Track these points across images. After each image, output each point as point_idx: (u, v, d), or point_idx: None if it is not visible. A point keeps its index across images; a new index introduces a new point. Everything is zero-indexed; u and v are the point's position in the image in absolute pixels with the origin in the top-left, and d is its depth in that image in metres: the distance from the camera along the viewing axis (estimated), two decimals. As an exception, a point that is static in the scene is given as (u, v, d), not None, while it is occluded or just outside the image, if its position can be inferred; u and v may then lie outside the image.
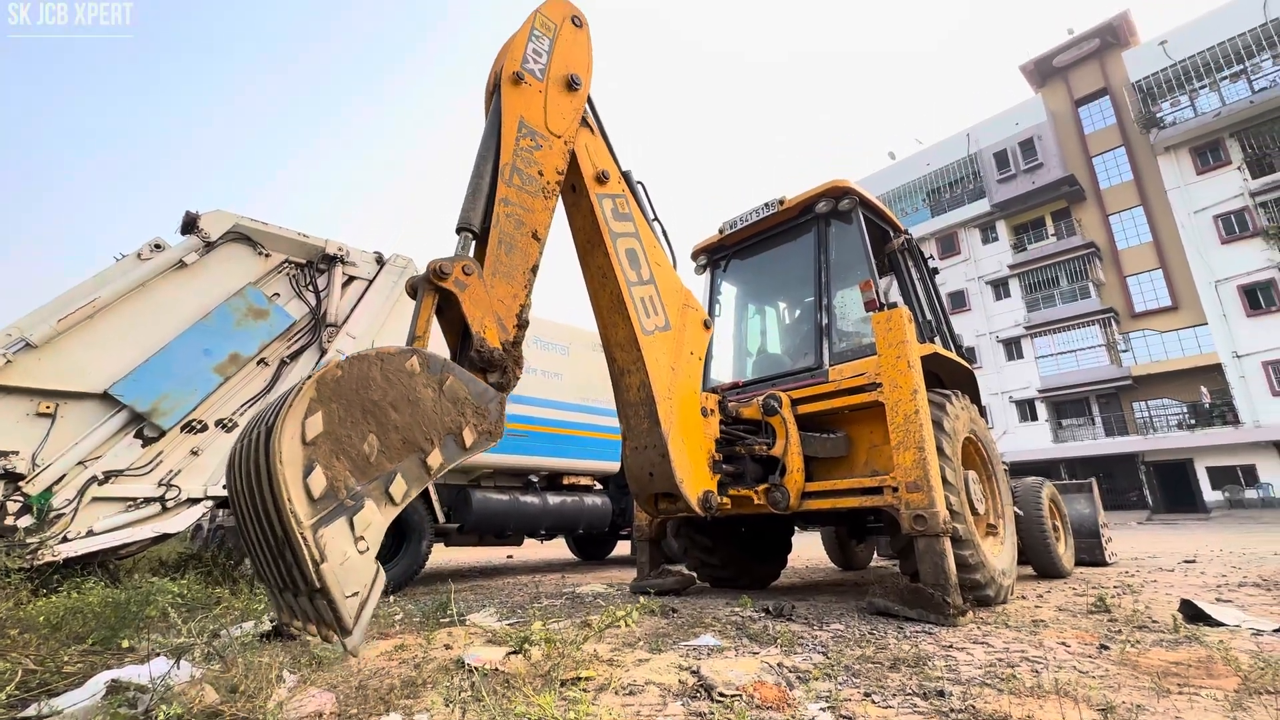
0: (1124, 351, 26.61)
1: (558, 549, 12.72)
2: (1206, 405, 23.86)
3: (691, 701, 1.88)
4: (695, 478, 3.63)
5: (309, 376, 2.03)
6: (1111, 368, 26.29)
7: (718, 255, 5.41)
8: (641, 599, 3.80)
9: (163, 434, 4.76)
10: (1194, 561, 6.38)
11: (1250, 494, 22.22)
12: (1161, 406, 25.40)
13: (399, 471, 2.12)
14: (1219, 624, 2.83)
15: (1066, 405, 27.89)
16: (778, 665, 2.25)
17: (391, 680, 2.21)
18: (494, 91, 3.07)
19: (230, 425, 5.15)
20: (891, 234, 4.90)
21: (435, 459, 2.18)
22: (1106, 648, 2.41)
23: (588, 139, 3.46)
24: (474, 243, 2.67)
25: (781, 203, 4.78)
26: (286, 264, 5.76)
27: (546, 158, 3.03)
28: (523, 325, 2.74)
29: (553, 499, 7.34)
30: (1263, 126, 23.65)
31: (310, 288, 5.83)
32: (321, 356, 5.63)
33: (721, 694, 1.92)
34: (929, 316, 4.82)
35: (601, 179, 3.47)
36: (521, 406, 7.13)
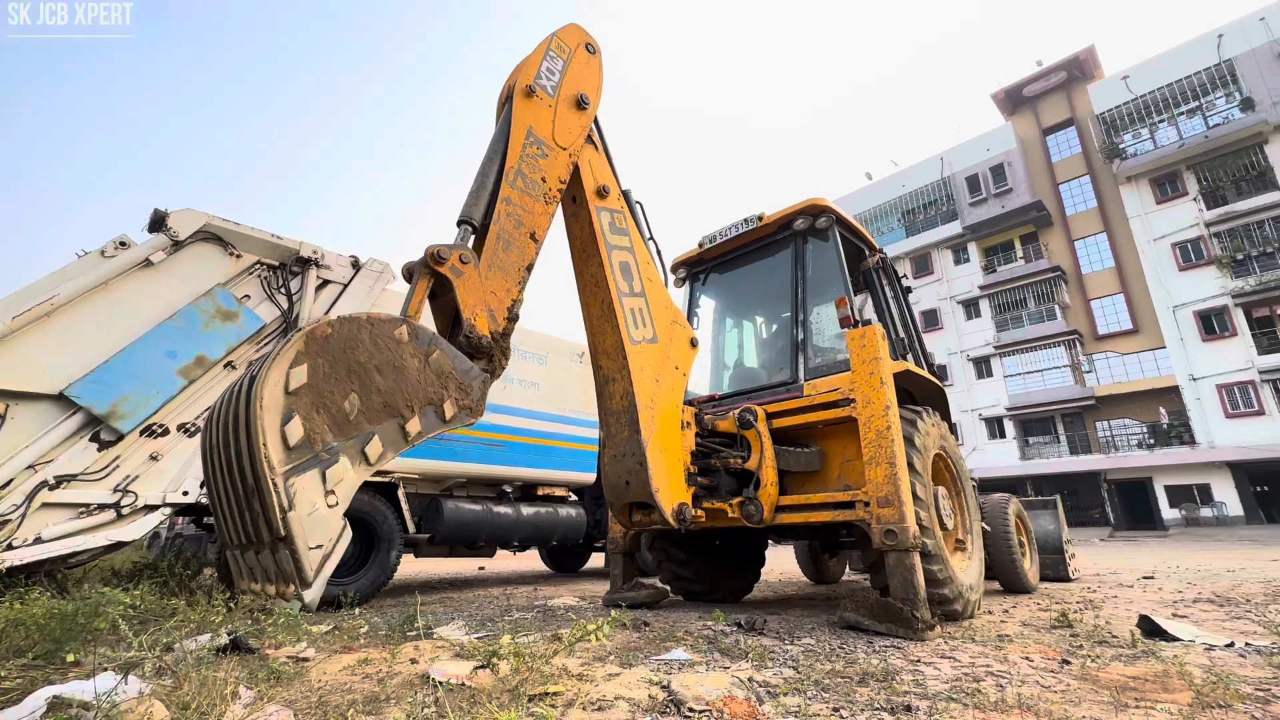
0: (1088, 372, 27.48)
1: (530, 561, 12.56)
2: (1164, 426, 24.73)
3: (661, 718, 1.86)
4: (671, 489, 3.64)
5: (299, 329, 2.08)
6: (1076, 387, 27.11)
7: (697, 269, 5.45)
8: (614, 612, 3.77)
9: (121, 438, 4.59)
10: (1152, 577, 6.57)
11: (1205, 512, 23.01)
12: (1123, 426, 26.24)
13: (377, 433, 2.17)
14: (1175, 639, 2.91)
15: (1033, 423, 28.63)
16: (748, 680, 2.24)
17: (354, 695, 2.14)
18: (506, 102, 3.25)
19: (193, 430, 5.00)
20: (867, 252, 5.00)
21: (414, 426, 2.22)
22: (1068, 662, 2.45)
23: (592, 155, 3.68)
24: (473, 236, 2.77)
25: (760, 219, 4.85)
26: (258, 265, 5.65)
27: (550, 167, 3.20)
28: (513, 319, 2.83)
29: (526, 510, 7.26)
30: (1216, 161, 24.84)
31: (283, 290, 5.72)
32: (292, 361, 5.50)
33: (691, 709, 1.91)
34: (902, 334, 4.91)
35: (602, 193, 3.66)
36: (497, 416, 7.06)
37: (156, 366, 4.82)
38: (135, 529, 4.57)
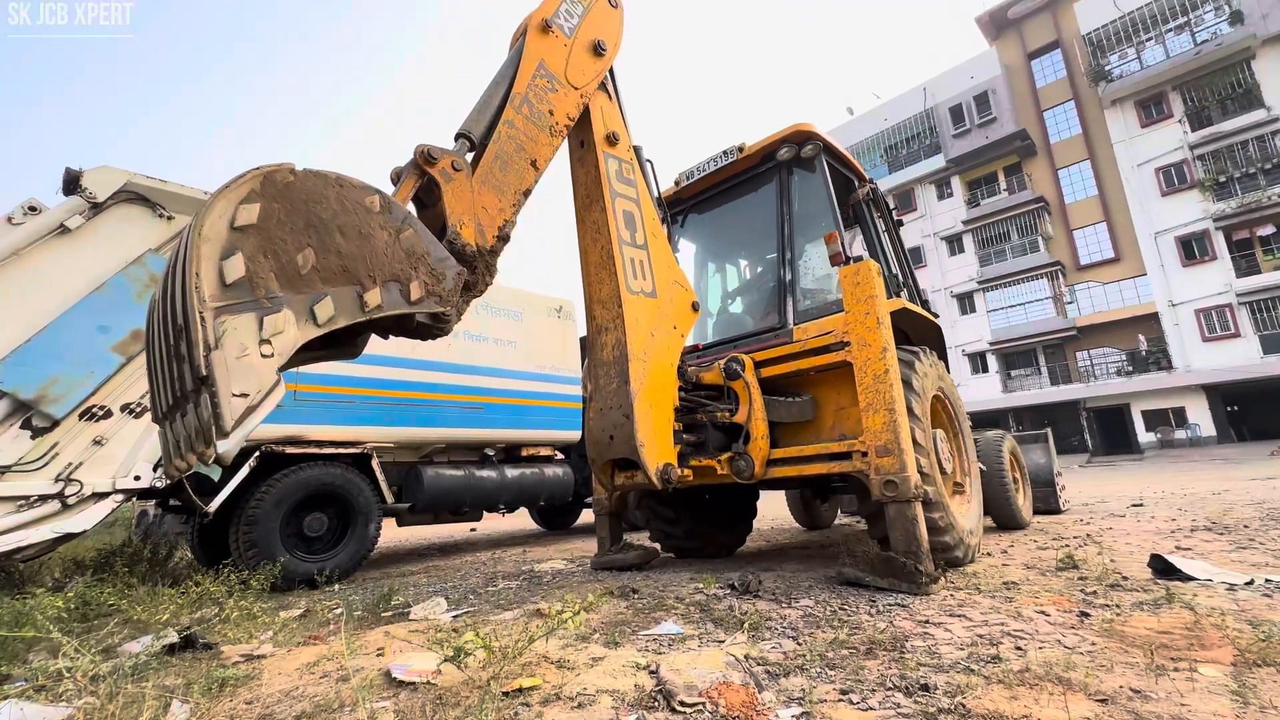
0: (1069, 303, 27.61)
1: (522, 520, 12.52)
2: (1143, 353, 25.09)
3: (648, 715, 1.64)
4: (658, 446, 3.39)
5: (256, 166, 1.77)
6: (1057, 319, 27.28)
7: (675, 209, 5.04)
8: (597, 588, 3.58)
9: (56, 423, 4.20)
10: (1141, 505, 6.58)
11: (1179, 434, 23.67)
12: (1103, 355, 26.61)
13: (330, 295, 1.90)
14: (1190, 578, 2.76)
15: (1015, 356, 28.93)
16: (744, 658, 2.03)
17: (303, 705, 1.90)
18: (520, 39, 3.08)
19: (139, 410, 4.61)
20: (856, 183, 4.63)
21: (374, 298, 2.00)
22: (1087, 615, 2.28)
23: (604, 102, 3.54)
24: (470, 153, 2.64)
25: (741, 150, 4.44)
26: (194, 227, 5.13)
27: (559, 101, 3.06)
28: (503, 238, 2.69)
29: (511, 472, 7.04)
30: (1203, 80, 24.26)
31: (224, 254, 5.22)
32: (242, 330, 5.09)
33: (683, 703, 1.69)
34: (895, 270, 4.62)
35: (611, 140, 3.52)
36: (473, 377, 6.74)
37: (88, 343, 4.39)
38: (84, 519, 4.24)
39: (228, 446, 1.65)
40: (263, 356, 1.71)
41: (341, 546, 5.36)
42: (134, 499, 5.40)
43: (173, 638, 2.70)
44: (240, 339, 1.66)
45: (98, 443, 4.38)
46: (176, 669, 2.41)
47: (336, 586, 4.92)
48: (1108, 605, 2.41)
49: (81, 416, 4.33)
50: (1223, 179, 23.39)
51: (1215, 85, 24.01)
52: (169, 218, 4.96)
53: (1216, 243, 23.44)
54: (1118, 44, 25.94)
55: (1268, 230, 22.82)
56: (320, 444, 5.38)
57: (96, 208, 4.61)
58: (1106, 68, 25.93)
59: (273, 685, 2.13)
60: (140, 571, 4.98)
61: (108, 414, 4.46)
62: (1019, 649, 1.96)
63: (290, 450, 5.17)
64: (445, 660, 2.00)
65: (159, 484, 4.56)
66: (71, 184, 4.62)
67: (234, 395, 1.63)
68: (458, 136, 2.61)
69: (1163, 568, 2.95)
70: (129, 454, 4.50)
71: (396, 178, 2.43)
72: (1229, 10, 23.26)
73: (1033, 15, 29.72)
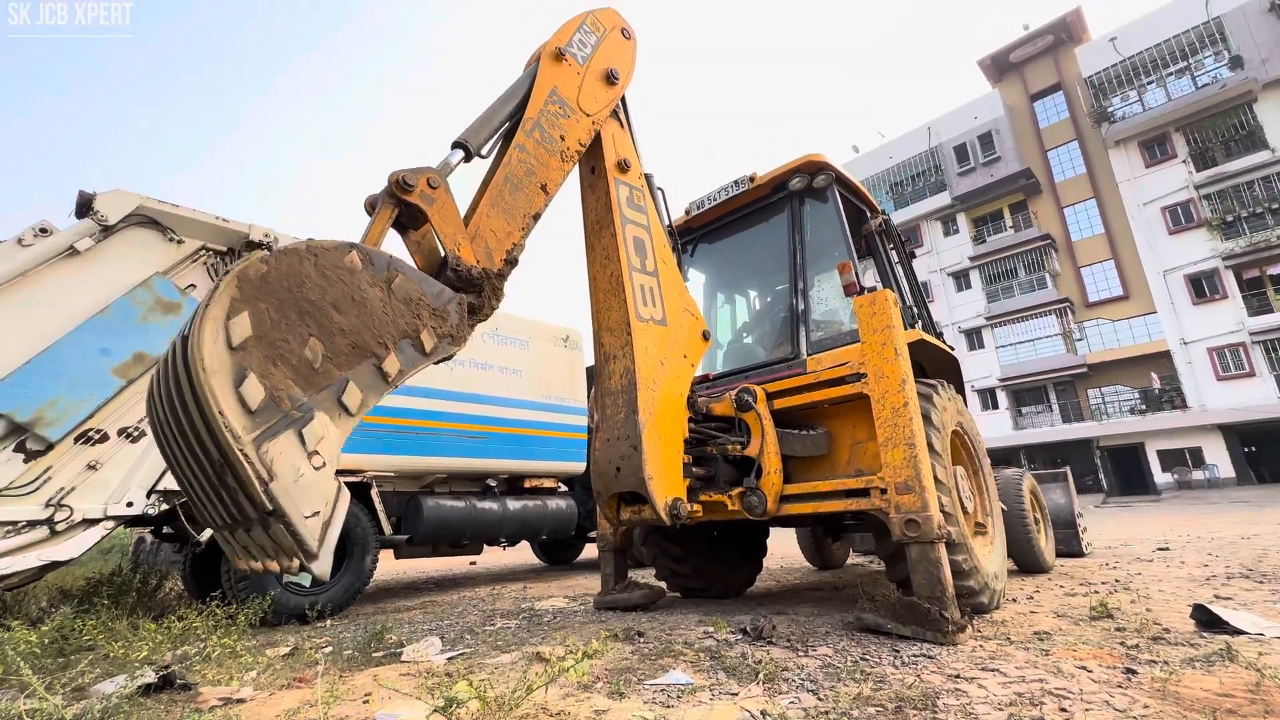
0: (1079, 340, 27.39)
1: (523, 554, 12.22)
2: (1156, 391, 24.71)
3: (657, 781, 1.48)
4: (666, 480, 3.26)
5: (227, 271, 1.66)
6: (1067, 356, 27.02)
7: (685, 239, 5.01)
8: (600, 630, 3.39)
9: (51, 446, 4.11)
10: (1168, 549, 6.31)
11: (1197, 475, 23.10)
12: (1114, 393, 26.23)
13: (351, 379, 1.82)
14: (1238, 631, 2.57)
15: (1025, 393, 28.58)
16: (761, 715, 1.86)
17: (280, 759, 1.74)
18: (532, 65, 3.06)
19: (136, 434, 4.53)
20: (868, 214, 4.59)
21: (392, 365, 1.91)
22: (1134, 672, 2.10)
23: (615, 130, 3.55)
24: (462, 162, 2.57)
25: (752, 180, 4.41)
26: (204, 251, 5.13)
27: (571, 127, 3.04)
28: (511, 262, 2.62)
29: (513, 504, 6.86)
30: (1205, 121, 24.54)
31: (232, 278, 5.21)
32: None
33: (695, 767, 1.53)
34: (910, 301, 4.53)
35: (622, 167, 3.52)
36: (477, 406, 6.63)
37: (88, 366, 4.33)
38: (72, 547, 4.11)
39: (322, 568, 1.65)
40: (316, 469, 1.65)
41: (336, 580, 5.17)
42: (128, 526, 5.28)
43: (150, 677, 2.54)
44: (290, 462, 1.61)
45: (92, 467, 4.28)
46: (150, 712, 2.25)
47: (328, 622, 4.73)
48: (1154, 661, 2.23)
49: (77, 440, 4.25)
50: (1230, 218, 23.41)
51: (1218, 127, 24.26)
52: (179, 241, 4.97)
53: (1227, 281, 23.31)
54: (1119, 87, 26.38)
55: (1278, 269, 22.71)
56: (319, 472, 5.25)
57: (107, 230, 4.62)
58: (1109, 109, 26.31)
59: (249, 735, 1.97)
60: (128, 603, 4.81)
61: (104, 438, 4.37)
62: (1063, 710, 1.78)
63: (288, 478, 5.04)
64: (435, 711, 1.84)
65: (151, 511, 4.44)
66: (84, 207, 4.65)
67: (306, 518, 1.60)
68: (455, 145, 2.56)
69: (1207, 619, 2.75)
70: (123, 479, 4.39)
71: (372, 207, 2.30)
72: (1229, 55, 23.68)
73: (1034, 59, 30.37)
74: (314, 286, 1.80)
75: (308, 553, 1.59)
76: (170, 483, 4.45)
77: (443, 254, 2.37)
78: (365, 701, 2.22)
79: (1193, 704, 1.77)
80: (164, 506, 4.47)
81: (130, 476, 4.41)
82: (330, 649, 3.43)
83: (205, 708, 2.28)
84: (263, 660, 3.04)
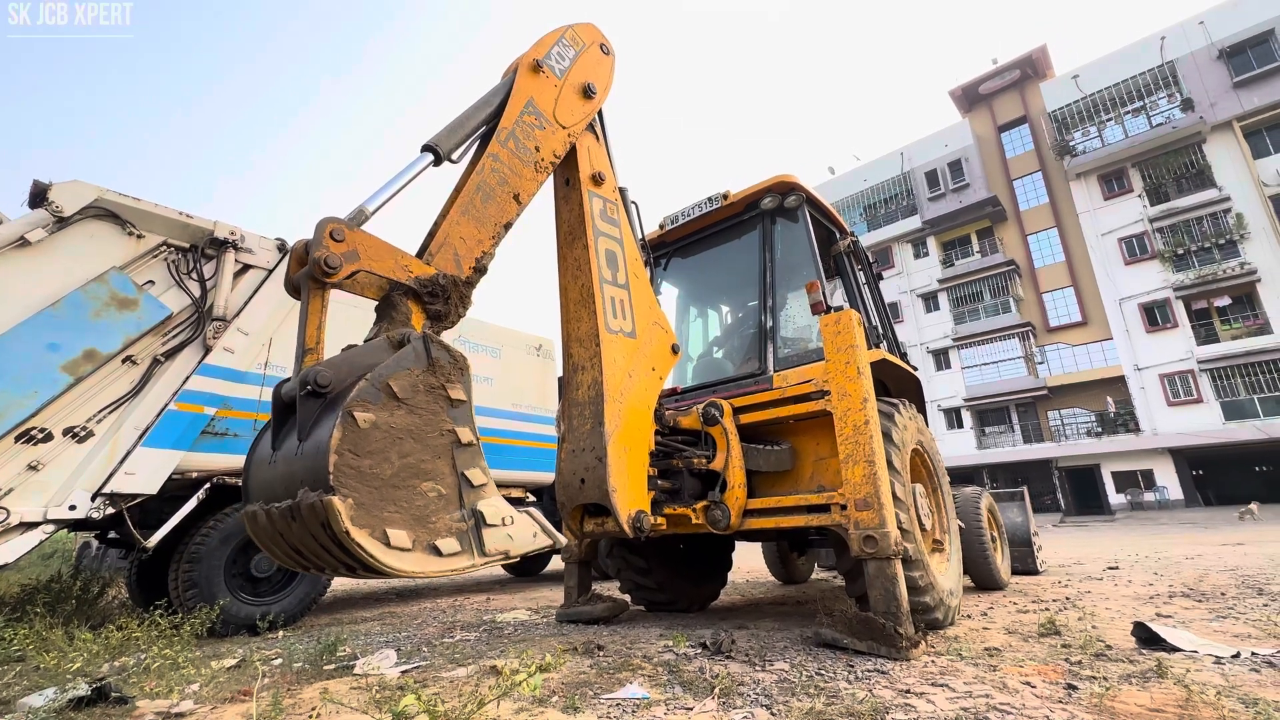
0: (1040, 363, 28.31)
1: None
2: (1112, 414, 25.64)
3: (604, 797, 1.47)
4: (630, 492, 3.26)
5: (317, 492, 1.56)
6: (1029, 378, 27.89)
7: (658, 253, 5.05)
8: (560, 643, 3.36)
9: (-13, 445, 3.92)
10: (1117, 568, 6.52)
11: (1149, 496, 23.98)
12: (1073, 415, 27.13)
13: (458, 470, 1.87)
14: (1174, 649, 2.67)
15: (989, 413, 29.36)
16: (714, 729, 1.87)
17: (216, 776, 1.68)
18: (509, 75, 3.06)
19: (83, 434, 4.35)
20: (838, 235, 4.70)
21: (466, 436, 1.92)
22: (1075, 688, 2.16)
23: (591, 143, 3.56)
24: (431, 164, 2.51)
25: (725, 197, 4.48)
26: (164, 247, 4.98)
27: (546, 139, 3.04)
28: (480, 270, 2.59)
29: (479, 514, 6.75)
30: (1159, 159, 25.79)
31: (194, 276, 5.07)
32: (205, 354, 4.89)
33: (643, 783, 1.52)
34: (875, 321, 4.63)
35: (596, 180, 3.53)
36: (445, 413, 6.53)
37: (34, 361, 4.15)
38: (7, 551, 3.89)
39: (560, 541, 1.99)
40: (509, 521, 1.88)
41: (290, 589, 5.02)
42: (72, 530, 5.05)
43: (82, 690, 2.43)
44: (498, 544, 1.82)
45: (33, 468, 4.09)
46: (80, 728, 2.15)
47: (280, 634, 4.58)
48: (1094, 677, 2.30)
49: (18, 439, 4.06)
50: (1181, 251, 24.57)
51: (1171, 164, 25.53)
52: (138, 236, 4.82)
53: (1177, 311, 24.41)
54: (1080, 122, 27.59)
55: (1224, 301, 23.87)
56: (277, 477, 5.10)
57: (62, 222, 4.46)
58: (1071, 143, 27.48)
59: (186, 750, 1.90)
60: (65, 611, 4.59)
61: (48, 437, 4.19)
62: (1006, 725, 1.83)
63: (244, 483, 4.89)
64: (383, 725, 1.80)
65: (96, 515, 4.26)
66: (38, 197, 4.48)
67: (531, 548, 1.89)
68: (425, 148, 2.53)
69: (1146, 636, 2.86)
70: (67, 481, 4.21)
71: (295, 291, 2.04)
72: (1180, 97, 24.98)
73: (1002, 92, 31.60)
74: (379, 462, 1.71)
75: (557, 545, 1.98)
76: (119, 485, 4.28)
77: (393, 289, 2.21)
78: (312, 716, 2.16)
79: (1126, 718, 1.83)
80: (109, 510, 4.28)
81: (75, 478, 4.23)
82: (279, 661, 3.32)
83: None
84: (206, 673, 2.93)
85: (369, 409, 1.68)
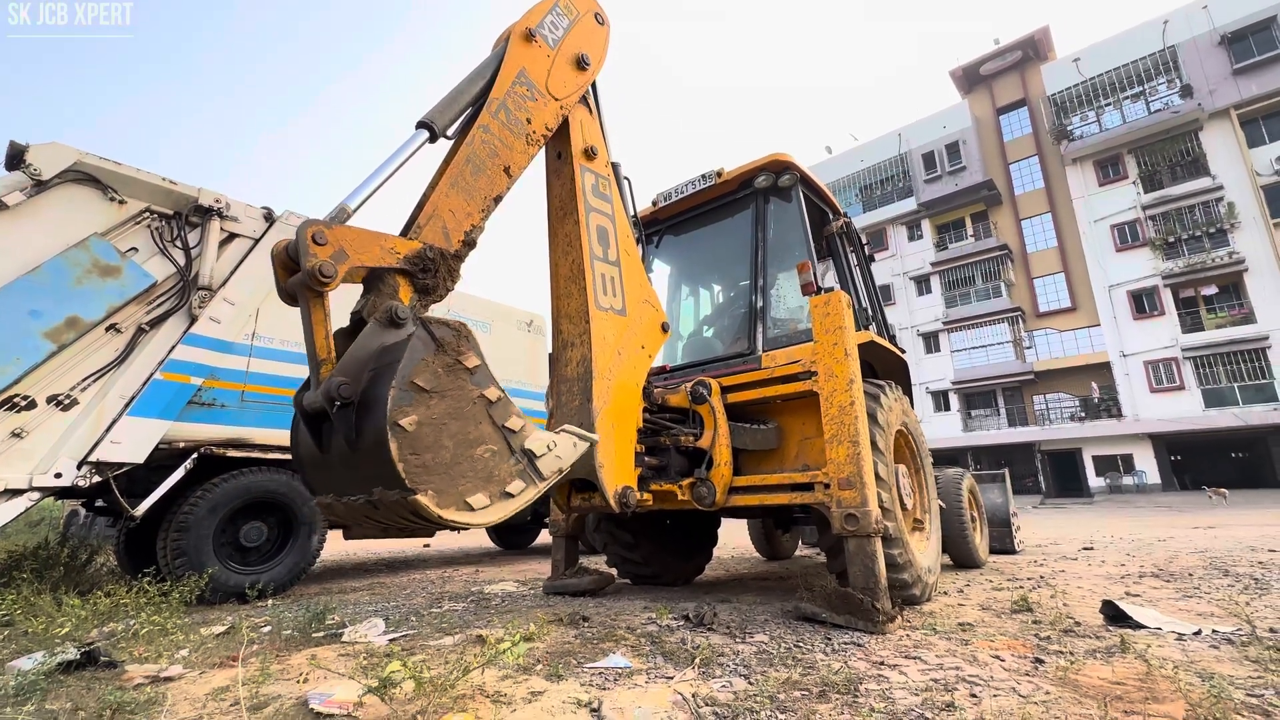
0: (1028, 348, 28.60)
1: (478, 537, 12.15)
2: (1095, 400, 26.05)
3: (584, 760, 1.52)
4: (618, 468, 3.29)
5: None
6: (1017, 363, 28.20)
7: (651, 230, 5.02)
8: (546, 614, 3.42)
9: (-30, 412, 3.89)
10: (1092, 549, 6.70)
11: (1127, 480, 24.52)
12: (1058, 400, 27.54)
13: (498, 425, 2.05)
14: (1140, 626, 2.77)
15: (976, 397, 29.73)
16: (692, 696, 1.92)
17: (204, 737, 1.72)
18: (501, 45, 2.99)
19: (68, 402, 4.31)
20: (830, 216, 4.69)
21: (493, 393, 2.08)
22: (1041, 661, 2.24)
23: (584, 116, 3.48)
24: (427, 141, 2.49)
25: (719, 175, 4.45)
26: (148, 214, 4.88)
27: (538, 111, 2.99)
28: (469, 244, 2.58)
29: (468, 487, 6.80)
30: (1155, 145, 25.77)
31: (179, 243, 4.99)
32: (190, 324, 4.84)
33: (622, 746, 1.57)
34: (865, 303, 4.65)
35: (589, 154, 3.47)
36: (435, 387, 6.53)
37: (16, 329, 4.09)
38: (-7, 517, 3.91)
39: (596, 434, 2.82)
40: (555, 446, 2.21)
41: (280, 559, 5.06)
42: (59, 498, 5.04)
43: (71, 654, 2.45)
44: (550, 464, 2.16)
45: (16, 435, 4.07)
46: (70, 690, 2.18)
47: (270, 602, 4.63)
48: (1061, 652, 2.38)
49: (1, 406, 4.02)
50: (1171, 239, 24.73)
51: (1166, 152, 25.52)
52: (120, 201, 4.73)
53: (1165, 299, 24.66)
54: (1079, 106, 27.44)
55: (1211, 290, 24.13)
56: (266, 448, 5.10)
57: (41, 185, 4.36)
58: (1068, 127, 27.36)
59: (175, 712, 1.93)
60: (53, 578, 4.61)
61: (31, 405, 4.15)
62: (974, 696, 1.90)
63: (232, 454, 4.89)
64: (369, 691, 1.84)
65: (83, 483, 4.25)
66: (15, 159, 4.37)
67: (576, 444, 2.34)
68: (420, 125, 2.48)
69: (1114, 614, 2.95)
70: (52, 448, 4.19)
71: (291, 298, 2.00)
72: (1180, 84, 24.86)
73: (1003, 74, 31.30)
74: (435, 450, 1.88)
75: (593, 442, 2.40)
76: (105, 453, 4.27)
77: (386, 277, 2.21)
78: (301, 681, 2.20)
79: (1088, 690, 1.91)
80: (96, 479, 4.27)
81: (60, 446, 4.21)
82: (269, 628, 3.37)
83: (130, 686, 2.22)
84: (195, 639, 2.97)
85: (408, 412, 1.80)
